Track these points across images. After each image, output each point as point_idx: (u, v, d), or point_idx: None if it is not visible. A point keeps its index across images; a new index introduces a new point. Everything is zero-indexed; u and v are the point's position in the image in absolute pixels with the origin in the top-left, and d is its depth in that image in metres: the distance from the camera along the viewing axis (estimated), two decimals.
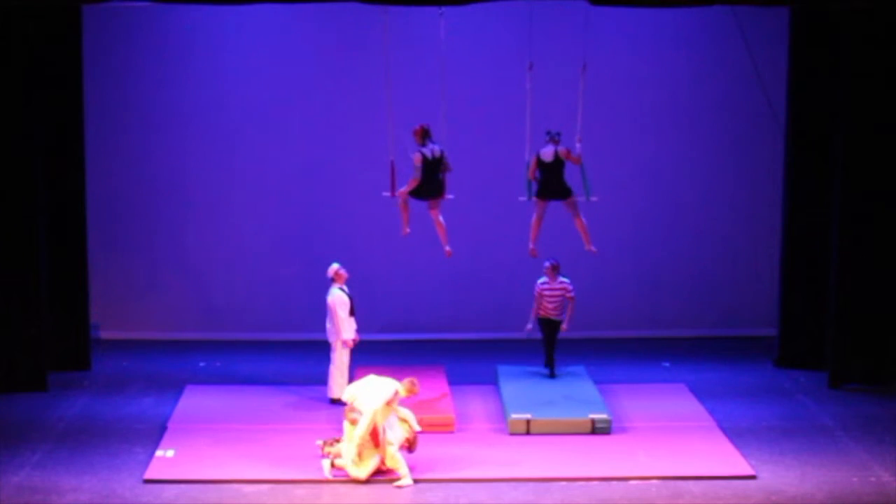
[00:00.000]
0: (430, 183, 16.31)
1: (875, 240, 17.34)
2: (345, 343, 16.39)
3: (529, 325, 17.37)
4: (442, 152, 16.29)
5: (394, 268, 19.98)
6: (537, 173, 16.41)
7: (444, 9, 16.11)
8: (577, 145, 16.33)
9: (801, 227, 18.25)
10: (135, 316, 20.06)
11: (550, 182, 16.36)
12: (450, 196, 16.44)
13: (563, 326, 17.25)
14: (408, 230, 16.60)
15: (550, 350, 17.42)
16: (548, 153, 16.33)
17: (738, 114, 19.96)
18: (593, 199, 16.43)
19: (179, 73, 19.69)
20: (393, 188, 16.37)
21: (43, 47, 17.20)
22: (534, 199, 16.50)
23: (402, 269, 20.00)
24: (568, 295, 17.21)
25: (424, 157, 16.20)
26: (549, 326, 17.36)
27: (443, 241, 16.69)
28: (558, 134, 16.36)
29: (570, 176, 16.43)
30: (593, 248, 16.75)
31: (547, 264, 17.24)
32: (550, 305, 17.27)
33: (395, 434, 14.00)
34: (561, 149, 16.29)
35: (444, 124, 16.39)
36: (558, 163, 16.30)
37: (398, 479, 13.87)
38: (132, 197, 19.88)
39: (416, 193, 16.36)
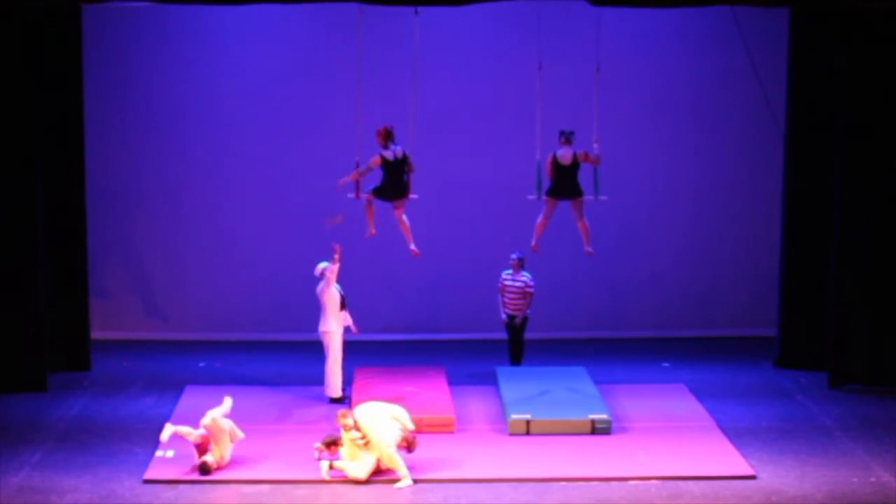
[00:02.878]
0: (395, 184, 16.29)
1: (875, 240, 17.34)
2: (327, 334, 16.51)
3: (503, 317, 17.70)
4: (405, 153, 16.26)
5: (393, 268, 19.97)
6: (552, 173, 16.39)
7: (419, 9, 16.15)
8: (595, 146, 16.31)
9: (801, 228, 18.25)
10: (135, 316, 20.06)
11: (564, 182, 16.34)
12: (414, 196, 16.42)
13: (525, 314, 17.62)
14: (373, 231, 16.59)
15: (516, 351, 17.81)
16: (566, 156, 16.29)
17: (738, 114, 19.95)
18: (602, 198, 16.44)
19: (179, 72, 19.69)
20: (357, 190, 16.38)
21: (43, 47, 17.20)
22: (544, 197, 16.47)
23: (402, 269, 19.98)
24: (526, 290, 17.53)
25: (385, 159, 16.19)
26: (511, 328, 17.72)
27: (407, 240, 16.68)
28: (572, 134, 16.34)
29: (582, 175, 16.42)
30: (591, 250, 16.79)
31: (513, 257, 17.48)
32: (510, 297, 17.52)
33: (391, 434, 13.97)
34: (579, 151, 16.27)
35: (436, 126, 16.41)
36: (574, 165, 16.29)
37: (398, 479, 13.87)
38: (132, 197, 19.89)
39: (381, 194, 16.36)
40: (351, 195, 16.44)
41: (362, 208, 16.48)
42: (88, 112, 18.12)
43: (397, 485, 13.79)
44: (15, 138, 16.87)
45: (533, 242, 16.82)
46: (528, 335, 17.91)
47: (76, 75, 17.75)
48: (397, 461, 13.86)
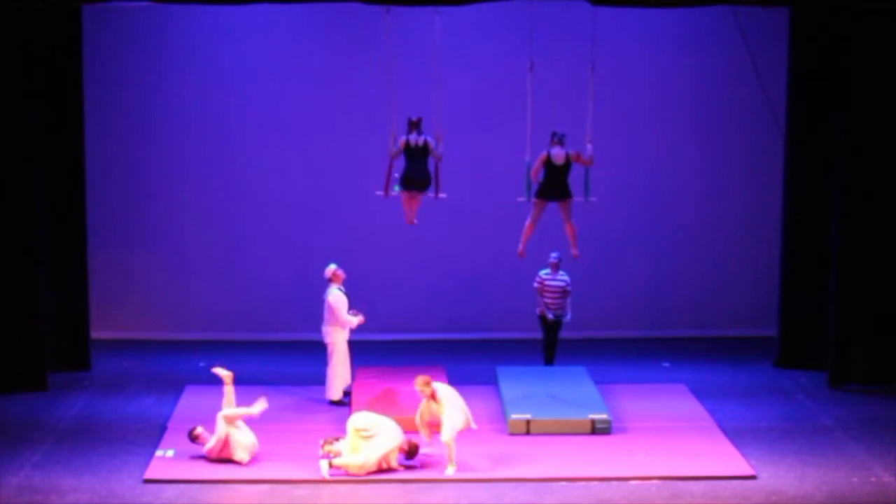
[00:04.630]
0: (418, 172, 16.44)
1: (875, 240, 17.34)
2: (348, 324, 16.52)
3: (550, 316, 17.64)
4: (426, 141, 16.38)
5: (393, 268, 19.98)
6: (541, 174, 16.41)
7: (440, 8, 16.15)
8: (588, 147, 16.33)
9: (801, 228, 18.25)
10: (135, 316, 20.07)
11: (554, 184, 16.36)
12: (442, 195, 16.46)
13: (567, 318, 17.64)
14: (414, 221, 16.75)
15: (551, 351, 17.72)
16: (559, 156, 16.31)
17: (738, 114, 19.96)
18: (592, 199, 16.47)
19: (179, 73, 19.70)
20: (387, 188, 16.43)
21: (43, 47, 17.20)
22: (533, 199, 16.50)
23: (402, 269, 20.00)
24: (567, 289, 17.60)
25: (407, 143, 16.41)
26: (547, 326, 17.64)
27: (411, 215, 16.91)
28: (564, 136, 16.36)
29: (573, 176, 16.44)
30: (577, 253, 16.84)
31: (553, 256, 17.47)
32: (550, 297, 17.46)
33: (458, 418, 14.09)
34: (572, 151, 16.30)
35: (443, 123, 16.41)
36: (567, 165, 16.32)
37: (398, 479, 13.88)
38: (132, 197, 19.89)
39: (407, 184, 16.48)
40: (379, 193, 16.50)
41: (401, 204, 16.68)
42: (88, 112, 18.11)
43: (446, 472, 13.93)
44: (15, 138, 16.87)
45: (520, 247, 16.85)
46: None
47: (76, 75, 17.74)
48: (452, 447, 14.01)
